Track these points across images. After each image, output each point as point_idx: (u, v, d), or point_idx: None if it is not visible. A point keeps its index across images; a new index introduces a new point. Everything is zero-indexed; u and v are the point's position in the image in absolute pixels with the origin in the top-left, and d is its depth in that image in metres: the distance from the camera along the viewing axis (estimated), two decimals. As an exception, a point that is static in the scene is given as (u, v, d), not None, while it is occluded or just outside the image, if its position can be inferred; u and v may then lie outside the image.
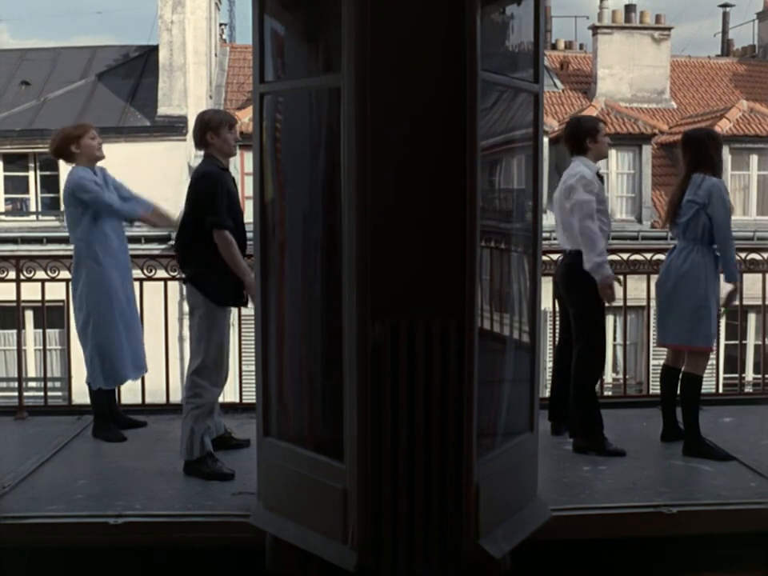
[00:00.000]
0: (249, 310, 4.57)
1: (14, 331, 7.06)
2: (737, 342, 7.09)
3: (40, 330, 6.66)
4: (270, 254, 3.95)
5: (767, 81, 22.81)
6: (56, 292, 6.03)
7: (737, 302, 5.57)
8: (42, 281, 5.97)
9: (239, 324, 5.96)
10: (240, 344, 6.22)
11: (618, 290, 6.05)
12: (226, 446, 4.99)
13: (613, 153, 17.89)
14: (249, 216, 4.12)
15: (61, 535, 4.09)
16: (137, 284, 5.81)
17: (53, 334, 14.67)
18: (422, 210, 3.46)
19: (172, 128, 17.55)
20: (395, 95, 3.41)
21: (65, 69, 19.68)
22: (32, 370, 13.24)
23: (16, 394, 6.24)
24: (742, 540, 4.21)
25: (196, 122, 4.86)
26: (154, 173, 15.37)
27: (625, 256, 6.26)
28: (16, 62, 20.24)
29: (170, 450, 4.89)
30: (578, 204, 5.03)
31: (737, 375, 6.95)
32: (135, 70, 19.73)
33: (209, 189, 4.64)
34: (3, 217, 17.32)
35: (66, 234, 5.49)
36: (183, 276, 4.91)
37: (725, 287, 5.21)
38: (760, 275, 6.40)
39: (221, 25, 23.10)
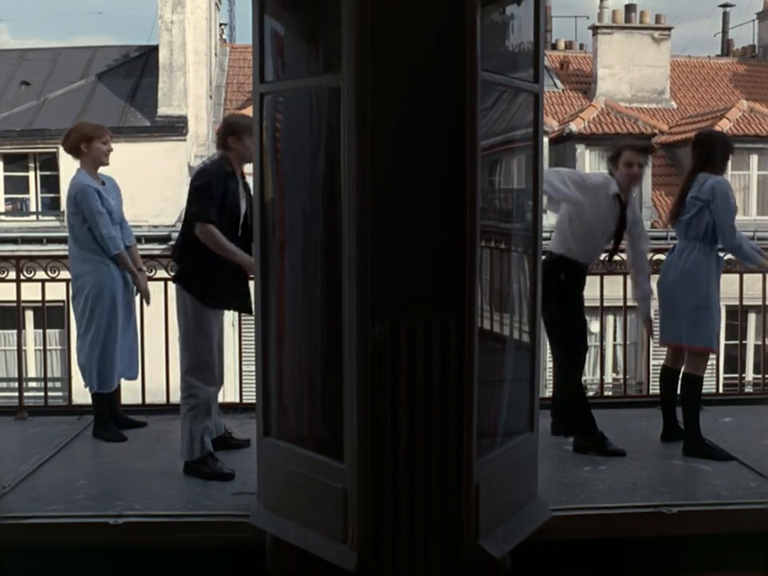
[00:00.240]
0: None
1: (14, 331, 7.06)
2: (737, 342, 7.09)
3: (40, 330, 6.67)
4: (270, 253, 3.94)
5: (767, 81, 22.82)
6: (56, 292, 6.03)
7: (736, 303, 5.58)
8: (42, 281, 5.97)
9: (239, 324, 5.97)
10: (240, 344, 6.22)
11: (618, 290, 6.04)
12: (226, 446, 4.99)
13: (613, 153, 17.89)
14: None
15: (61, 535, 4.09)
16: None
17: (53, 334, 14.68)
18: (422, 210, 3.46)
19: (172, 128, 17.56)
20: (395, 95, 3.41)
21: (65, 69, 19.69)
22: (32, 370, 13.24)
23: (16, 394, 6.24)
24: (742, 540, 4.21)
25: (222, 124, 5.00)
26: (153, 173, 15.37)
27: (625, 255, 6.25)
28: (16, 62, 20.24)
29: (170, 450, 4.89)
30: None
31: (737, 375, 6.95)
32: (135, 70, 19.74)
33: (199, 184, 4.67)
34: (3, 217, 17.32)
35: (66, 234, 5.50)
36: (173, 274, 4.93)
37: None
38: (760, 275, 6.39)
39: (221, 25, 23.11)
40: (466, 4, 3.37)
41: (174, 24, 18.01)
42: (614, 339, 15.42)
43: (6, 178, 17.56)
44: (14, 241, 16.06)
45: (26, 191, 17.60)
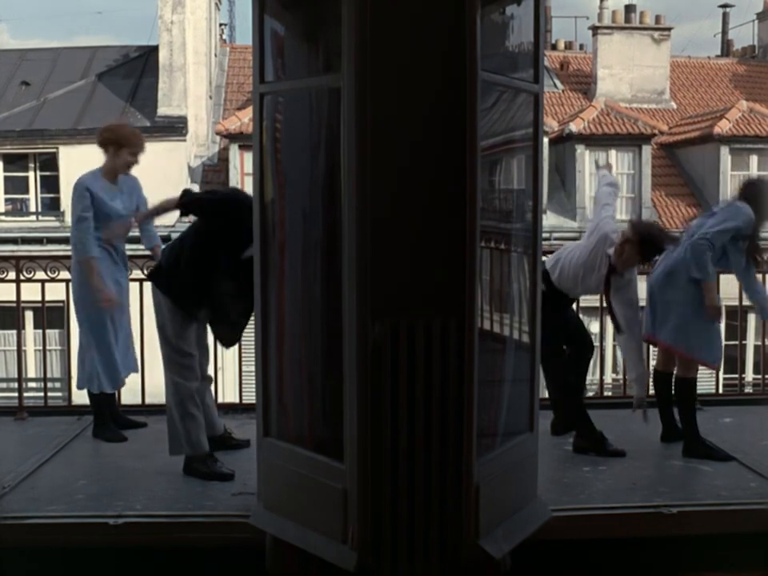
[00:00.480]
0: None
1: (14, 331, 7.06)
2: (737, 342, 7.08)
3: (40, 331, 6.67)
4: (270, 254, 3.94)
5: (767, 81, 22.82)
6: (56, 292, 6.03)
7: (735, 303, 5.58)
8: (42, 281, 5.97)
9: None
10: (240, 344, 6.21)
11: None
12: (225, 446, 4.99)
13: (612, 153, 17.91)
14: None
15: (61, 535, 4.09)
16: (137, 284, 5.82)
17: (53, 334, 14.68)
18: (422, 210, 3.46)
19: (172, 128, 17.56)
20: (395, 95, 3.41)
21: (65, 69, 19.69)
22: (32, 371, 13.23)
23: (16, 394, 6.24)
24: (742, 540, 4.21)
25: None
26: (153, 173, 15.26)
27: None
28: (16, 62, 20.24)
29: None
30: None
31: (737, 375, 6.94)
32: (135, 70, 19.74)
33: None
34: (3, 217, 17.32)
35: (67, 235, 5.50)
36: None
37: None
38: (760, 275, 6.38)
39: (221, 25, 23.11)
40: (466, 4, 3.37)
41: (174, 24, 18.01)
42: (614, 339, 15.38)
43: (6, 178, 17.56)
44: (13, 241, 16.06)
45: (26, 191, 17.59)
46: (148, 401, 6.12)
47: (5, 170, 17.54)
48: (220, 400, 6.06)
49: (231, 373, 5.03)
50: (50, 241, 15.40)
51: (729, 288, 5.72)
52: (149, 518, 4.15)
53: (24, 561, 4.11)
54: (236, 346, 5.03)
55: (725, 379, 8.25)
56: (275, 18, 3.95)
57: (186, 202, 4.69)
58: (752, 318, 13.17)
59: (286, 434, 3.98)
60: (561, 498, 4.35)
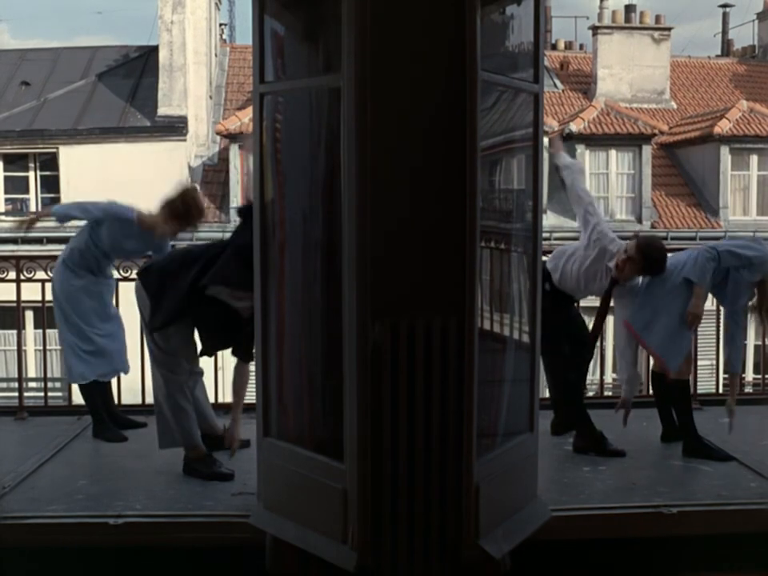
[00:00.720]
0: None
1: (14, 331, 7.06)
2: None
3: (40, 331, 6.66)
4: (270, 254, 3.94)
5: (767, 81, 22.82)
6: (56, 292, 6.02)
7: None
8: (42, 281, 5.96)
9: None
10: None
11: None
12: (225, 447, 4.99)
13: (613, 153, 17.92)
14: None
15: (61, 535, 4.09)
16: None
17: (53, 334, 14.50)
18: (421, 210, 3.46)
19: (172, 128, 17.56)
20: (395, 95, 3.41)
21: (65, 69, 19.68)
22: (32, 371, 13.23)
23: (16, 394, 6.24)
24: (742, 540, 4.21)
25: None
26: (153, 173, 15.38)
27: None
28: (16, 62, 20.24)
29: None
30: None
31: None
32: (135, 70, 19.73)
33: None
34: (3, 217, 17.32)
35: (66, 235, 5.51)
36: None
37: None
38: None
39: (221, 25, 23.10)
40: (466, 4, 3.37)
41: (174, 24, 18.01)
42: (614, 339, 15.39)
43: (6, 178, 17.55)
44: (14, 241, 16.05)
45: (26, 191, 17.59)
46: (148, 401, 6.11)
47: (5, 170, 17.54)
48: (220, 400, 6.05)
49: (231, 373, 5.02)
50: (50, 241, 15.37)
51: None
52: (149, 517, 4.16)
53: (24, 561, 4.11)
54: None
55: (725, 379, 8.25)
56: (275, 18, 3.95)
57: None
58: (752, 319, 13.19)
59: (285, 434, 3.98)
60: (561, 497, 4.35)
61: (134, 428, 5.55)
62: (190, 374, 4.80)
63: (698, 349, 5.25)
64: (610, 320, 5.29)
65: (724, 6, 26.65)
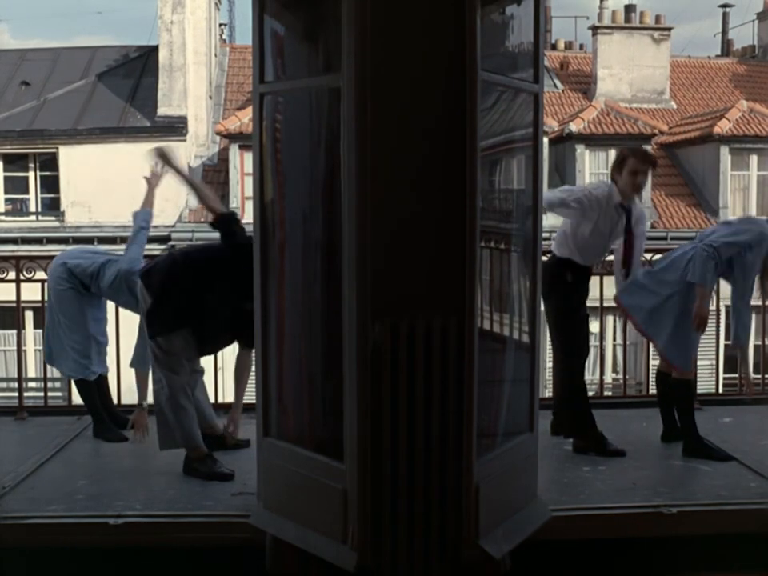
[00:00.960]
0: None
1: (14, 331, 7.06)
2: (736, 341, 7.07)
3: (40, 331, 6.66)
4: (270, 254, 3.94)
5: (767, 81, 22.82)
6: (56, 292, 6.02)
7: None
8: (42, 281, 5.95)
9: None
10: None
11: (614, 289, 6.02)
12: (225, 447, 4.99)
13: (613, 153, 17.86)
14: (249, 216, 4.12)
15: (61, 535, 4.08)
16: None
17: (52, 334, 14.64)
18: (421, 210, 3.46)
19: (172, 128, 17.56)
20: (395, 95, 3.41)
21: (65, 69, 19.69)
22: (32, 371, 13.23)
23: (16, 394, 6.25)
24: (742, 540, 4.20)
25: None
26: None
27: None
28: (16, 62, 20.25)
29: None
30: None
31: (737, 375, 6.94)
32: (135, 70, 19.74)
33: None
34: (3, 217, 17.33)
35: (66, 235, 5.51)
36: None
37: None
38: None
39: (221, 25, 23.11)
40: (466, 4, 3.37)
41: (174, 24, 18.02)
42: (614, 339, 15.41)
43: (6, 178, 17.56)
44: (13, 241, 16.06)
45: (26, 191, 17.60)
46: (148, 401, 6.11)
47: (5, 170, 17.55)
48: (220, 400, 6.06)
49: (231, 373, 5.02)
50: (50, 241, 15.37)
51: (728, 288, 5.71)
52: (149, 517, 4.15)
53: (24, 561, 4.11)
54: (236, 347, 5.02)
55: (725, 379, 8.25)
56: (275, 18, 3.95)
57: (227, 219, 4.79)
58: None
59: (285, 434, 3.98)
60: (561, 497, 4.35)
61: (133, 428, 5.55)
62: (191, 372, 4.80)
63: (698, 349, 5.24)
64: (609, 320, 5.29)
65: (724, 5, 26.65)
